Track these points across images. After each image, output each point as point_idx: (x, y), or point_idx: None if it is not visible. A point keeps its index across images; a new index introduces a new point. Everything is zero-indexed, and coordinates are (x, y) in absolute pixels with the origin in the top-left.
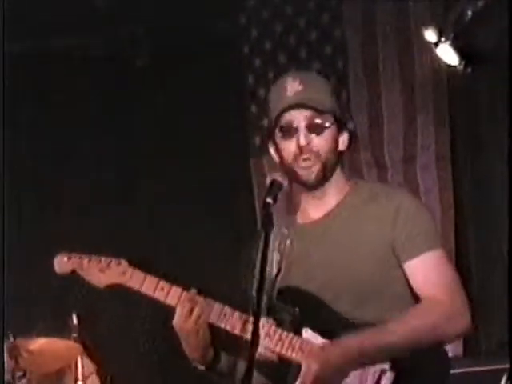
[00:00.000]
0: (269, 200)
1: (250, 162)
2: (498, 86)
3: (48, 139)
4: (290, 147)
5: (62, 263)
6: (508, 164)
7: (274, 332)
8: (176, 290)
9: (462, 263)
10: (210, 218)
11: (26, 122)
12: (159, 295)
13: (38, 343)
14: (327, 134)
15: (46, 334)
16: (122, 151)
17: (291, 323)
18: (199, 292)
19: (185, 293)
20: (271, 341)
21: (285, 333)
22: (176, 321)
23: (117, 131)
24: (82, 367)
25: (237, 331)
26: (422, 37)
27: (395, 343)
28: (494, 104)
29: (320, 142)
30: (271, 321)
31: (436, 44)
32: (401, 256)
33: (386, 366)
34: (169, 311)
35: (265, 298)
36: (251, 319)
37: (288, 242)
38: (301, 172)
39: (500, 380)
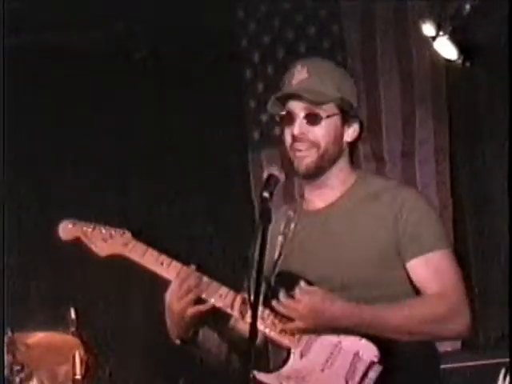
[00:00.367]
0: (265, 194)
1: (249, 156)
2: (497, 79)
3: (48, 127)
4: (287, 136)
5: (66, 229)
6: (508, 157)
7: (268, 315)
8: (175, 265)
9: (460, 257)
10: (208, 212)
11: (26, 111)
12: (158, 269)
13: (36, 337)
14: (327, 125)
15: (44, 328)
16: (123, 138)
17: None
18: (198, 267)
19: (184, 268)
20: (264, 324)
21: (278, 318)
22: (170, 294)
23: (116, 123)
24: (80, 361)
25: (234, 313)
26: (420, 31)
27: (389, 322)
28: (493, 98)
29: (318, 132)
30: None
31: (434, 38)
32: (404, 255)
33: (375, 358)
34: None
35: (263, 281)
36: (247, 301)
37: (292, 225)
38: (295, 159)
39: (498, 374)
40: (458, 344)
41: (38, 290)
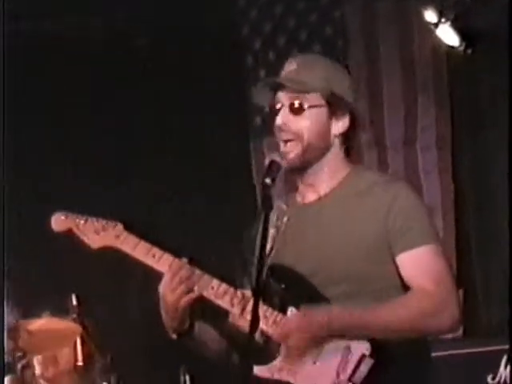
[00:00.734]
0: (267, 181)
1: (250, 143)
2: (499, 66)
3: (48, 117)
4: (274, 126)
5: (58, 221)
6: (508, 144)
7: (260, 308)
8: (167, 258)
9: (462, 244)
10: (209, 200)
11: (26, 101)
12: (150, 261)
13: (38, 324)
14: (311, 115)
15: (46, 315)
16: (122, 125)
17: (278, 301)
18: (190, 260)
19: (176, 260)
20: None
21: (270, 310)
22: (163, 287)
23: (116, 112)
24: (82, 347)
25: (225, 305)
26: (422, 18)
27: (377, 326)
28: (495, 84)
29: (301, 123)
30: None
31: (436, 25)
32: (393, 249)
33: (366, 351)
34: None
35: (254, 272)
36: (238, 293)
37: (285, 218)
38: (281, 150)
39: (499, 361)
40: (459, 331)
41: (39, 277)
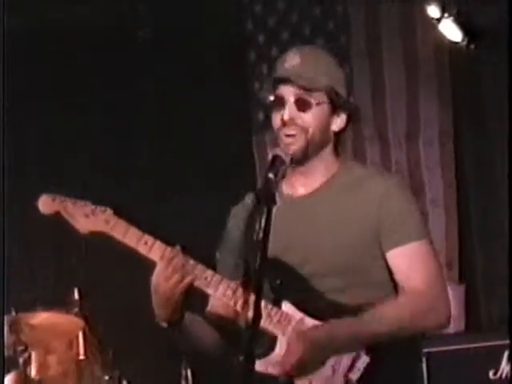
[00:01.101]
0: (270, 176)
1: (253, 138)
2: (501, 61)
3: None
4: (277, 119)
5: (46, 203)
6: (510, 139)
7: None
8: (160, 246)
9: (465, 239)
10: (211, 193)
11: (25, 95)
12: (142, 248)
13: (40, 318)
14: (316, 112)
15: (48, 309)
16: (122, 119)
17: (271, 294)
18: (183, 249)
19: (168, 249)
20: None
21: (263, 302)
22: (157, 276)
23: (117, 102)
24: (84, 342)
25: (218, 295)
26: (424, 13)
27: (378, 333)
28: (497, 79)
29: (307, 118)
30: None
31: (439, 20)
32: (384, 244)
33: (361, 349)
34: None
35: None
36: (232, 284)
37: (275, 211)
38: (282, 144)
39: (501, 356)
40: (461, 326)
41: (41, 271)
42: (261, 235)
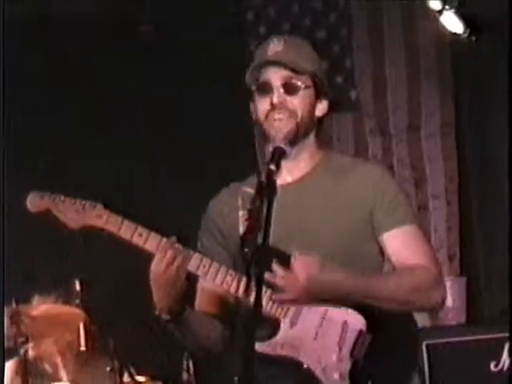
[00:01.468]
0: (272, 167)
1: (254, 128)
2: (502, 53)
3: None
4: (264, 104)
5: (35, 201)
6: (510, 131)
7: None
8: (155, 237)
9: (466, 232)
10: (210, 184)
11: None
12: (137, 240)
13: (41, 309)
14: (303, 95)
15: (49, 300)
16: (124, 109)
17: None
18: (178, 240)
19: (164, 239)
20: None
21: (264, 288)
22: (155, 267)
23: (118, 94)
24: (85, 333)
25: (217, 283)
26: (426, 5)
27: (381, 291)
28: (498, 71)
29: (295, 102)
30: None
31: (440, 12)
32: (379, 227)
33: (363, 326)
34: None
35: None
36: (231, 271)
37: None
38: (272, 129)
39: (502, 348)
40: (462, 318)
41: (42, 262)
42: (263, 224)
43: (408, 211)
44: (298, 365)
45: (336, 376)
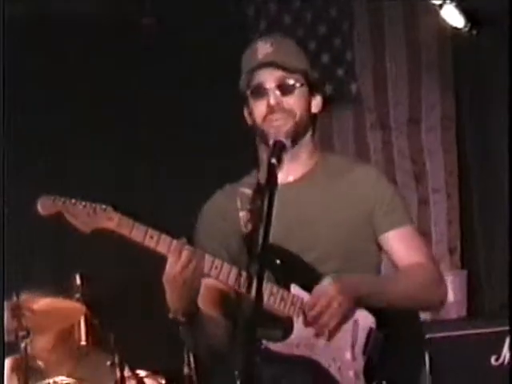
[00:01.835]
0: (273, 161)
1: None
2: (503, 47)
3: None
4: (260, 108)
5: (46, 204)
6: (511, 125)
7: (265, 287)
8: (165, 239)
9: (467, 225)
10: (210, 184)
11: (26, 79)
12: (149, 242)
13: (42, 303)
14: (298, 94)
15: (50, 294)
16: (125, 106)
17: (277, 278)
18: (188, 241)
19: (175, 241)
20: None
21: (275, 287)
22: (170, 270)
23: (119, 91)
24: (85, 327)
25: (230, 283)
26: None
27: (395, 293)
28: (499, 65)
29: (292, 102)
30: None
31: (441, 6)
32: (379, 227)
33: (373, 325)
34: None
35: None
36: (243, 272)
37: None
38: (271, 131)
39: (503, 342)
40: (463, 311)
41: (43, 256)
42: (264, 220)
43: (406, 212)
44: (313, 364)
45: (351, 374)
